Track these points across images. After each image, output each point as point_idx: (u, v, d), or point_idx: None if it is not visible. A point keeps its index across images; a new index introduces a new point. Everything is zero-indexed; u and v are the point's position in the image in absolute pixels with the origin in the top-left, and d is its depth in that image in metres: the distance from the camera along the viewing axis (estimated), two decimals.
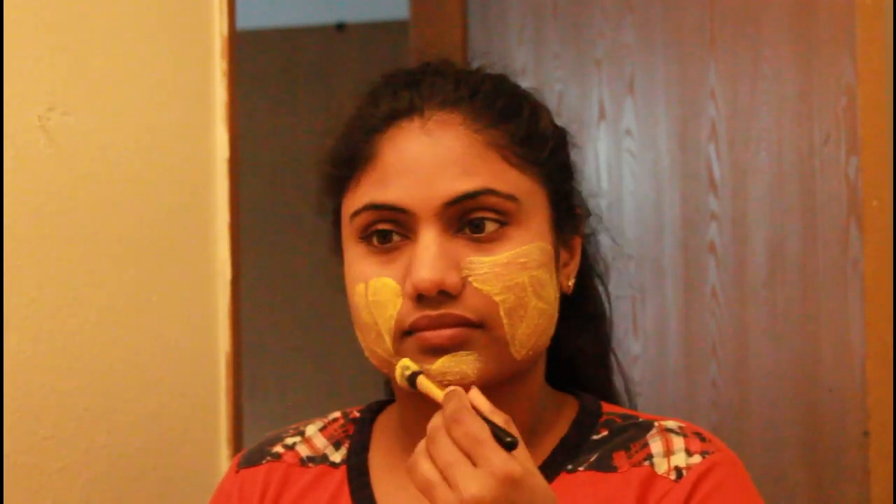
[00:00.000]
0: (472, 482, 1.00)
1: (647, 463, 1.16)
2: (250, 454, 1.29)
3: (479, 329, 1.13)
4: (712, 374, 2.22)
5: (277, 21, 4.12)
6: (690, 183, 2.28)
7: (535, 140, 1.18)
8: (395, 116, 1.17)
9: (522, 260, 1.14)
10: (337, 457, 1.26)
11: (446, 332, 1.13)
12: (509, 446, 1.02)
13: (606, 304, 1.33)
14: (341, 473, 1.24)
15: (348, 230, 1.18)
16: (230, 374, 1.84)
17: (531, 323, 1.15)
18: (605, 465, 1.17)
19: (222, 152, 1.85)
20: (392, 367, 1.15)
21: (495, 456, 1.01)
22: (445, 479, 1.01)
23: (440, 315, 1.13)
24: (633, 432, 1.19)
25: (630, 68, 2.39)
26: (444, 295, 1.12)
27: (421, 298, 1.12)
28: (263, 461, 1.28)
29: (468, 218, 1.14)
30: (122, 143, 1.68)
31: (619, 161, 2.37)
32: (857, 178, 1.97)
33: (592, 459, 1.18)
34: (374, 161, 1.16)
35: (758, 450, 2.08)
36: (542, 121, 1.20)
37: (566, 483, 1.16)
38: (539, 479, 1.03)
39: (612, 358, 1.34)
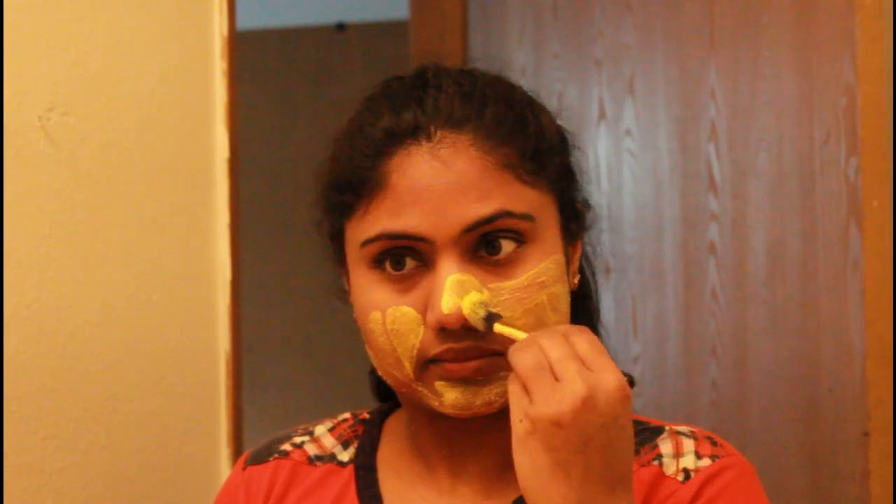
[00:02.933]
0: (590, 378, 0.99)
1: (655, 462, 1.16)
2: (258, 452, 1.29)
3: (501, 356, 1.11)
4: (712, 374, 2.22)
5: (277, 21, 4.12)
6: (690, 183, 2.28)
7: (542, 152, 1.16)
8: (400, 137, 1.14)
9: (541, 279, 1.13)
10: (345, 456, 1.26)
11: (472, 365, 1.11)
12: (629, 379, 1.02)
13: (594, 289, 1.32)
14: (348, 472, 1.24)
15: (357, 256, 1.15)
16: (230, 374, 1.84)
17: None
18: None
19: (222, 152, 1.85)
20: (411, 389, 1.14)
21: (614, 369, 1.00)
22: (553, 371, 1.00)
23: (465, 349, 1.11)
24: (644, 436, 1.19)
25: (630, 68, 2.39)
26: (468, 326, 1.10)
27: (444, 330, 1.10)
28: (271, 459, 1.28)
29: (486, 240, 1.12)
30: (122, 143, 1.68)
31: (619, 161, 2.37)
32: (857, 178, 1.97)
33: None
34: (383, 188, 1.13)
35: (758, 450, 2.08)
36: (547, 130, 1.18)
37: None
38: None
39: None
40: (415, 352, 1.12)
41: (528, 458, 1.01)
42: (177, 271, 1.77)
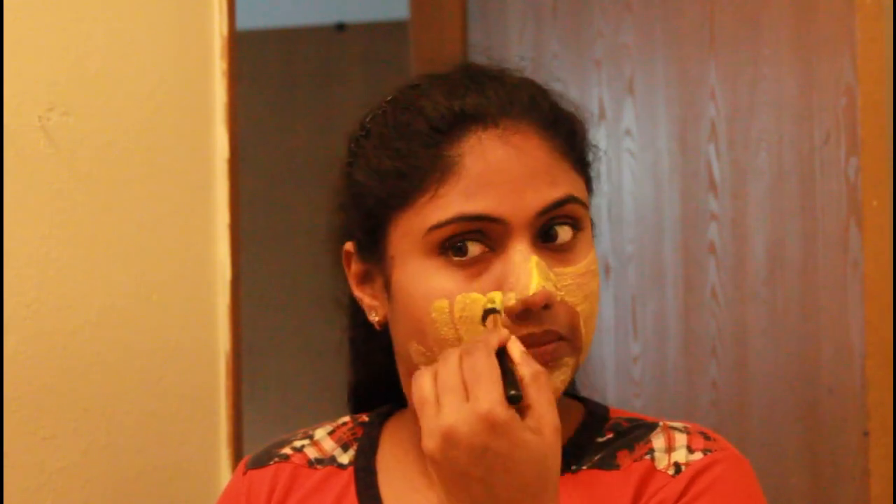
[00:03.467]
0: (454, 412, 1.00)
1: (647, 457, 1.16)
2: (258, 456, 1.30)
3: (567, 342, 1.13)
4: (712, 374, 2.22)
5: (277, 21, 4.12)
6: (690, 183, 2.28)
7: (579, 145, 1.20)
8: (467, 122, 1.14)
9: (594, 267, 1.15)
10: (345, 458, 1.26)
11: (549, 348, 1.12)
12: (512, 399, 1.01)
13: None
14: (348, 474, 1.24)
15: (417, 244, 1.13)
16: (230, 374, 1.83)
17: (594, 328, 1.16)
18: (608, 464, 1.17)
19: (222, 152, 1.85)
20: None
21: (486, 395, 1.00)
22: (438, 401, 1.01)
23: (544, 332, 1.12)
24: (638, 433, 1.19)
25: (630, 68, 2.39)
26: (544, 309, 1.11)
27: (524, 313, 1.11)
28: (271, 462, 1.28)
29: (546, 227, 1.13)
30: (122, 143, 1.68)
31: (619, 161, 2.37)
32: (857, 178, 1.97)
33: (596, 459, 1.18)
34: (455, 172, 1.12)
35: (758, 450, 2.08)
36: (577, 124, 1.21)
37: (567, 482, 1.16)
38: (536, 439, 1.01)
39: None
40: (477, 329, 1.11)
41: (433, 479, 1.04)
42: (177, 271, 1.77)
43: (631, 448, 1.18)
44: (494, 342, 1.05)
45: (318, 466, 1.26)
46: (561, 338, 1.12)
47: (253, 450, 1.33)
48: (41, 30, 1.57)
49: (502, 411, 0.99)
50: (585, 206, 1.16)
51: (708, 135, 2.24)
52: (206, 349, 1.82)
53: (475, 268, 1.12)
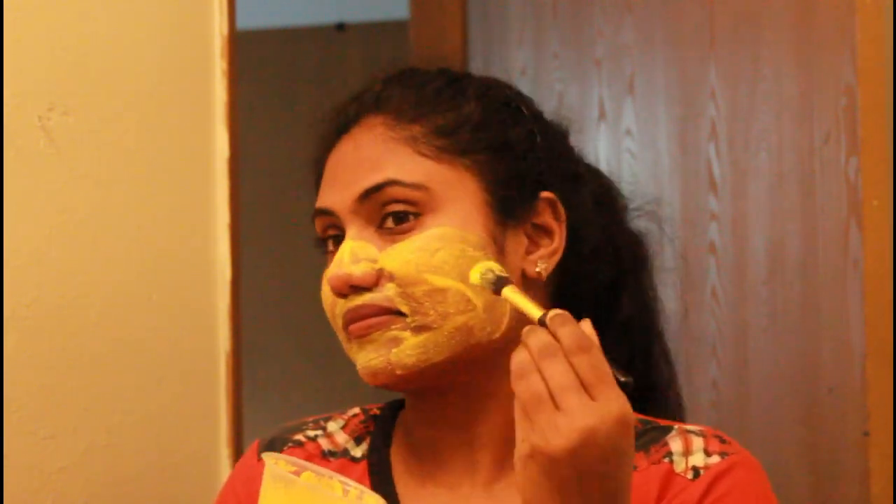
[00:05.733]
0: (590, 413, 0.99)
1: (666, 460, 1.17)
2: (272, 441, 1.29)
3: (396, 314, 1.16)
4: (712, 374, 2.22)
5: (277, 21, 4.12)
6: (690, 183, 2.28)
7: (464, 131, 1.20)
8: (346, 126, 1.23)
9: (435, 246, 1.16)
10: (358, 451, 1.26)
11: (365, 322, 1.17)
12: (625, 386, 1.01)
13: (646, 306, 1.32)
14: (362, 468, 1.25)
15: None
16: (230, 374, 1.83)
17: (446, 299, 1.15)
18: None
19: (222, 152, 1.85)
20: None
21: (618, 397, 1.00)
22: (554, 400, 1.00)
23: (357, 307, 1.17)
24: (653, 435, 1.19)
25: (630, 68, 2.39)
26: (361, 289, 1.16)
27: (341, 295, 1.17)
28: (285, 448, 1.28)
29: (386, 212, 1.17)
30: (122, 143, 1.68)
31: (619, 161, 2.37)
32: (857, 178, 1.97)
33: None
34: (323, 172, 1.24)
35: (758, 450, 2.08)
36: (485, 112, 1.22)
37: None
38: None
39: (653, 380, 1.32)
40: (337, 320, 1.19)
41: (527, 477, 1.02)
42: (177, 271, 1.77)
43: (647, 451, 1.18)
44: (590, 331, 1.04)
45: (331, 459, 1.26)
46: (388, 311, 1.16)
47: None
48: (41, 30, 1.57)
49: (630, 410, 1.01)
50: (422, 188, 1.17)
51: (708, 135, 2.24)
52: (206, 349, 1.82)
53: (330, 257, 1.21)
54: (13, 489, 1.49)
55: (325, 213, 1.20)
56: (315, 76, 4.09)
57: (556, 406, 1.00)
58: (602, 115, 2.42)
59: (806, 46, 2.09)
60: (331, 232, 1.21)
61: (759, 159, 2.16)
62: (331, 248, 1.21)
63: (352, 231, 1.18)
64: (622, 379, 1.01)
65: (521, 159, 1.22)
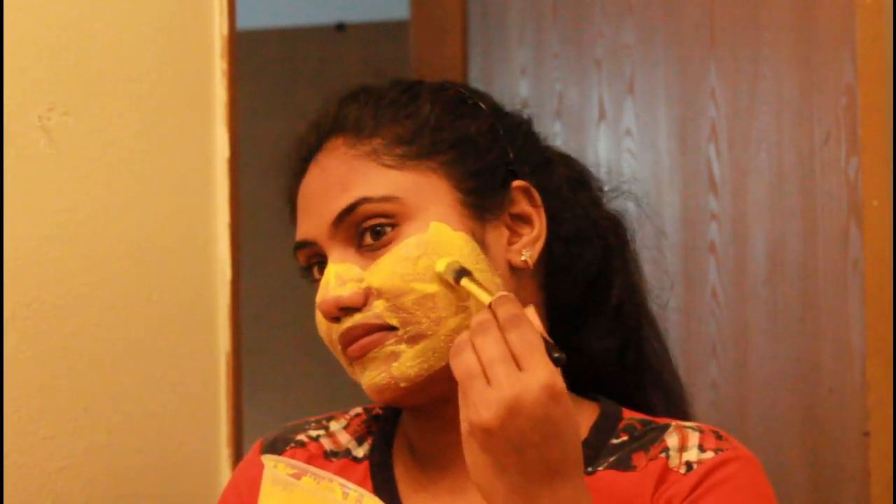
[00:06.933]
0: (516, 382, 1.01)
1: (662, 455, 1.17)
2: (274, 441, 1.30)
3: (389, 330, 1.16)
4: (712, 374, 2.22)
5: (277, 21, 4.12)
6: (690, 183, 2.28)
7: (423, 135, 1.20)
8: (306, 160, 1.25)
9: (416, 253, 1.16)
10: (360, 452, 1.27)
11: (360, 343, 1.17)
12: (557, 361, 1.03)
13: (634, 287, 1.33)
14: (364, 468, 1.25)
15: None
16: (230, 374, 1.84)
17: (436, 305, 1.16)
18: (624, 465, 1.18)
19: (222, 152, 1.85)
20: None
21: (545, 365, 1.02)
22: (486, 373, 1.02)
23: (348, 329, 1.17)
24: (652, 435, 1.20)
25: (630, 68, 2.39)
26: (352, 310, 1.17)
27: (334, 319, 1.18)
28: (287, 448, 1.28)
29: (362, 229, 1.18)
30: (122, 143, 1.68)
31: (619, 161, 2.37)
32: (857, 178, 1.97)
33: (612, 460, 1.18)
34: (295, 207, 1.25)
35: (758, 450, 2.08)
36: (441, 112, 1.22)
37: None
38: (570, 404, 1.04)
39: (648, 359, 1.33)
40: (335, 346, 1.20)
41: (471, 456, 1.04)
42: (177, 271, 1.77)
43: (646, 450, 1.19)
44: (531, 314, 1.06)
45: (333, 459, 1.26)
46: (381, 328, 1.16)
47: None
48: (41, 30, 1.57)
49: (559, 379, 1.02)
50: (392, 199, 1.17)
51: (708, 135, 2.24)
52: (206, 349, 1.82)
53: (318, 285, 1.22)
54: (13, 489, 1.49)
55: (305, 244, 1.22)
56: (315, 76, 4.09)
57: (488, 380, 1.02)
58: (602, 116, 2.42)
59: (806, 46, 2.09)
60: (315, 260, 1.22)
61: (759, 159, 2.16)
62: (316, 276, 1.22)
63: (333, 255, 1.19)
64: (555, 354, 1.03)
65: (485, 152, 1.22)
